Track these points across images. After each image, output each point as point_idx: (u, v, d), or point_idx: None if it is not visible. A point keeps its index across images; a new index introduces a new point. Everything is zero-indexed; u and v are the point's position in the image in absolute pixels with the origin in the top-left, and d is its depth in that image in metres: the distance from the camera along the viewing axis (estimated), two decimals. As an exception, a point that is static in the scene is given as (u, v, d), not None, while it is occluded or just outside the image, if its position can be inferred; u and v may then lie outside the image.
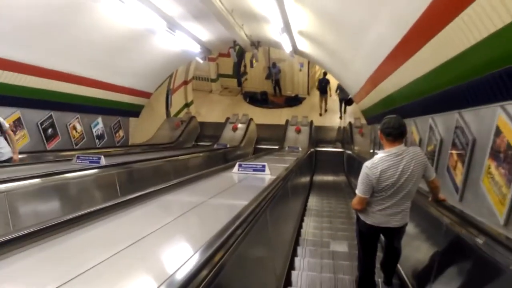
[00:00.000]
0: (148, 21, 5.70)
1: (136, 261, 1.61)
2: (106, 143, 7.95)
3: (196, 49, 8.17)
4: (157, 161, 5.55)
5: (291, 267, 3.28)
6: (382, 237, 2.70)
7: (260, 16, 6.49)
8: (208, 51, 9.27)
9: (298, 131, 11.16)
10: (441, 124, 3.36)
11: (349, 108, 12.49)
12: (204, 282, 1.27)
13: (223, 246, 1.55)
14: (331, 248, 3.95)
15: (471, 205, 2.53)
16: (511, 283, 1.57)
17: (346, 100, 11.93)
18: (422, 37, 3.19)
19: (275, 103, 14.25)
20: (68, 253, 1.67)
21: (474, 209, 2.43)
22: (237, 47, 9.41)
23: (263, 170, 4.06)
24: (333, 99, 13.11)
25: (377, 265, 2.86)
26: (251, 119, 11.69)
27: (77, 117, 6.92)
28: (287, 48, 8.57)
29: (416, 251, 3.04)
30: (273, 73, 14.02)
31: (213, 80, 15.34)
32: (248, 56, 13.50)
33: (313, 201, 6.76)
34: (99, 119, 7.73)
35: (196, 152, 8.03)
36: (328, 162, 10.46)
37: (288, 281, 2.97)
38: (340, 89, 11.60)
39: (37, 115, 5.84)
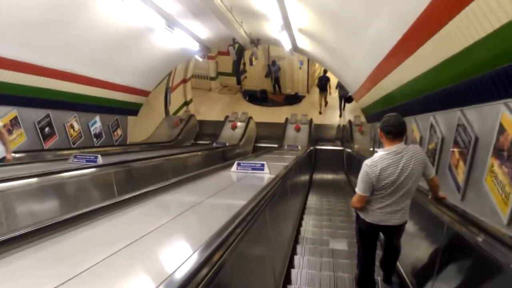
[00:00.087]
0: (146, 19, 5.65)
1: (135, 261, 1.60)
2: (104, 142, 7.91)
3: (195, 47, 8.12)
4: (155, 160, 5.51)
5: (291, 265, 3.28)
6: (381, 235, 2.70)
7: (260, 14, 6.44)
8: (207, 49, 9.22)
9: (298, 130, 11.13)
10: (443, 122, 3.33)
11: (348, 105, 12.46)
12: (204, 282, 1.26)
13: (222, 246, 1.54)
14: (330, 246, 3.95)
15: (473, 204, 2.51)
16: (511, 281, 1.56)
17: (345, 97, 11.92)
18: (423, 35, 3.15)
19: (274, 101, 14.22)
20: (65, 253, 1.67)
21: (477, 209, 2.41)
22: (236, 45, 9.35)
23: (262, 169, 4.03)
24: (333, 97, 13.08)
25: (377, 263, 2.86)
26: (250, 118, 11.66)
27: (75, 116, 6.88)
28: (287, 46, 8.53)
29: (416, 249, 3.04)
30: (273, 71, 13.98)
31: (212, 78, 15.29)
32: (247, 54, 13.46)
33: (312, 200, 6.75)
34: (97, 118, 7.68)
35: (195, 150, 8.00)
36: (327, 161, 10.45)
37: (287, 279, 2.97)
38: (340, 86, 11.58)
39: (34, 114, 5.80)
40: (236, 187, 3.75)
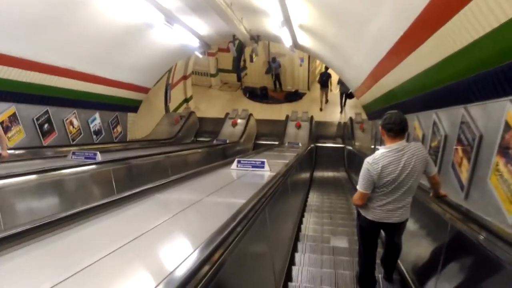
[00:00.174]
0: (145, 15, 5.61)
1: (135, 259, 1.59)
2: (104, 139, 7.89)
3: (195, 43, 8.07)
4: (155, 157, 5.49)
5: (292, 262, 3.28)
6: (382, 232, 2.70)
7: (260, 10, 6.38)
8: (207, 45, 9.16)
9: (298, 127, 11.09)
10: (446, 119, 3.29)
11: (349, 101, 12.42)
12: (204, 280, 1.26)
13: (222, 244, 1.54)
14: (331, 244, 3.96)
15: (477, 203, 2.48)
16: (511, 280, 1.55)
17: (347, 93, 11.87)
18: (426, 30, 3.10)
19: (275, 98, 14.17)
20: (63, 252, 1.66)
21: (481, 208, 2.38)
22: (236, 42, 9.30)
23: (263, 167, 4.00)
24: (334, 93, 13.04)
25: (378, 260, 2.87)
26: (250, 115, 11.62)
27: (74, 113, 6.84)
28: (287, 42, 8.47)
29: (417, 247, 3.02)
30: (273, 68, 13.91)
31: (212, 75, 15.24)
32: (247, 50, 13.38)
33: (313, 197, 6.74)
34: (97, 115, 7.65)
35: (195, 148, 7.97)
36: (328, 158, 10.43)
37: (288, 277, 2.97)
38: (341, 82, 11.53)
39: (33, 110, 5.76)
40: (237, 184, 3.73)
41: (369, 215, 2.47)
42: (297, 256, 3.44)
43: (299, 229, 4.42)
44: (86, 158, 4.14)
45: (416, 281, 2.71)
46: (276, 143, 10.34)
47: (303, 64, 14.23)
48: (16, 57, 4.95)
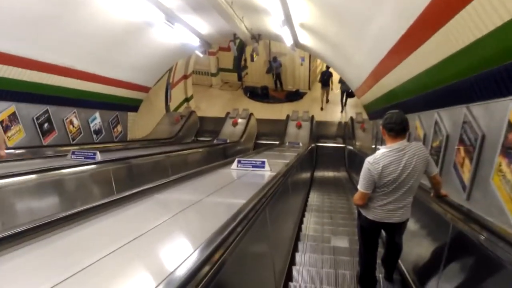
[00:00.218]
0: (146, 14, 5.59)
1: (135, 259, 1.59)
2: (104, 138, 7.88)
3: (195, 42, 8.05)
4: (155, 156, 5.47)
5: (292, 262, 3.28)
6: (383, 232, 2.69)
7: (261, 8, 6.36)
8: (207, 44, 9.14)
9: (299, 126, 11.07)
10: (448, 119, 3.27)
11: (350, 100, 12.40)
12: (204, 280, 1.26)
13: (222, 244, 1.53)
14: (332, 244, 3.95)
15: (480, 203, 2.46)
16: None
17: (348, 92, 11.85)
18: (428, 29, 3.09)
19: (275, 97, 14.15)
20: (63, 252, 1.66)
21: (483, 208, 2.37)
22: (237, 41, 9.28)
23: (263, 167, 3.99)
24: (335, 93, 13.01)
25: (378, 260, 2.87)
26: (251, 114, 11.61)
27: (74, 112, 6.83)
28: (288, 42, 8.45)
29: (418, 247, 3.01)
30: (274, 67, 13.89)
31: (213, 75, 15.22)
32: (248, 50, 13.36)
33: (314, 197, 6.73)
34: (97, 114, 7.64)
35: (196, 147, 7.96)
36: (329, 158, 10.42)
37: (289, 277, 2.97)
38: (342, 81, 11.51)
39: (33, 110, 5.75)
40: (237, 184, 3.71)
41: (370, 215, 2.46)
42: (298, 256, 3.44)
43: (299, 229, 4.42)
44: (85, 158, 4.13)
45: (417, 281, 2.71)
46: (277, 142, 10.33)
47: (304, 64, 14.21)
48: (16, 56, 4.94)
